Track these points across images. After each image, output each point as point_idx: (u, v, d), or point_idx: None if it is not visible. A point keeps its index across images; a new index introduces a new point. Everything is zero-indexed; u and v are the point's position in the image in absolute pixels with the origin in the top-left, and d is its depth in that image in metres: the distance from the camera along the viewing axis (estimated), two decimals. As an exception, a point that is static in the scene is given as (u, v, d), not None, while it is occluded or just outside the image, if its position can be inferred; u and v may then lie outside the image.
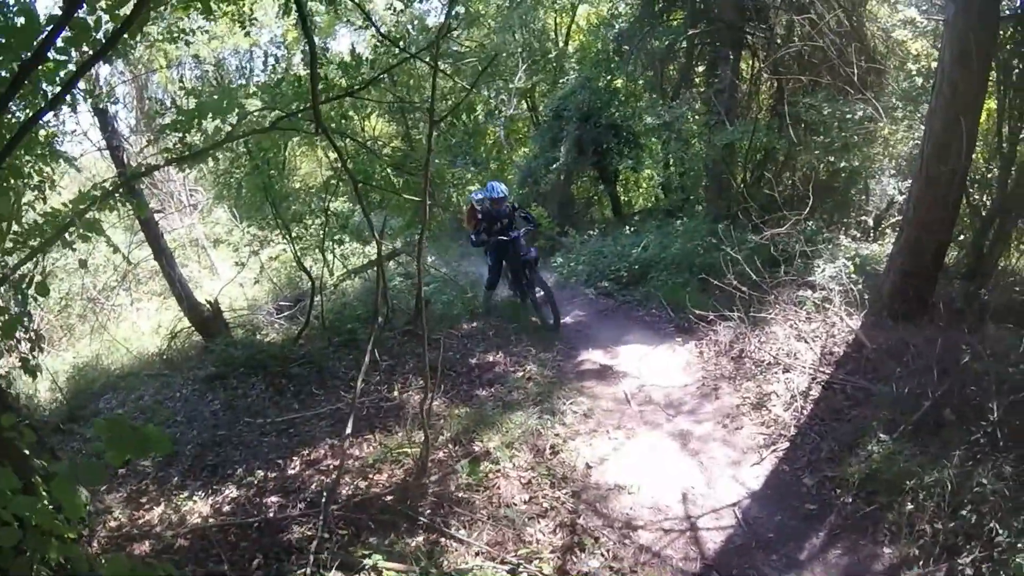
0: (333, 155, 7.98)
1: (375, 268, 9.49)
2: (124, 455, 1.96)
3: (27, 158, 4.98)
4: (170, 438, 2.09)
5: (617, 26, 12.03)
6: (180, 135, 6.42)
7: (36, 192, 4.58)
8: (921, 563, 3.41)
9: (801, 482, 4.28)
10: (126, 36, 2.54)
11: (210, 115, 6.08)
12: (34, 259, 3.18)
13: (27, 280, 3.02)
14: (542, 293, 7.48)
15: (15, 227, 3.50)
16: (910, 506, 3.67)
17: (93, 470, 2.10)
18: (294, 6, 8.53)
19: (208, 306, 8.49)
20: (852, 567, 3.57)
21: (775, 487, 4.33)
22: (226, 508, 4.41)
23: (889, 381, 4.67)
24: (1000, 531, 3.30)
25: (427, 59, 5.91)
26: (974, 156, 6.11)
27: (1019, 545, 3.17)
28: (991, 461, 3.71)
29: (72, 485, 2.01)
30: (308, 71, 7.53)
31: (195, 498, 4.52)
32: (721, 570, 3.67)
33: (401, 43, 7.91)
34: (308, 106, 5.06)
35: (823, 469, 4.31)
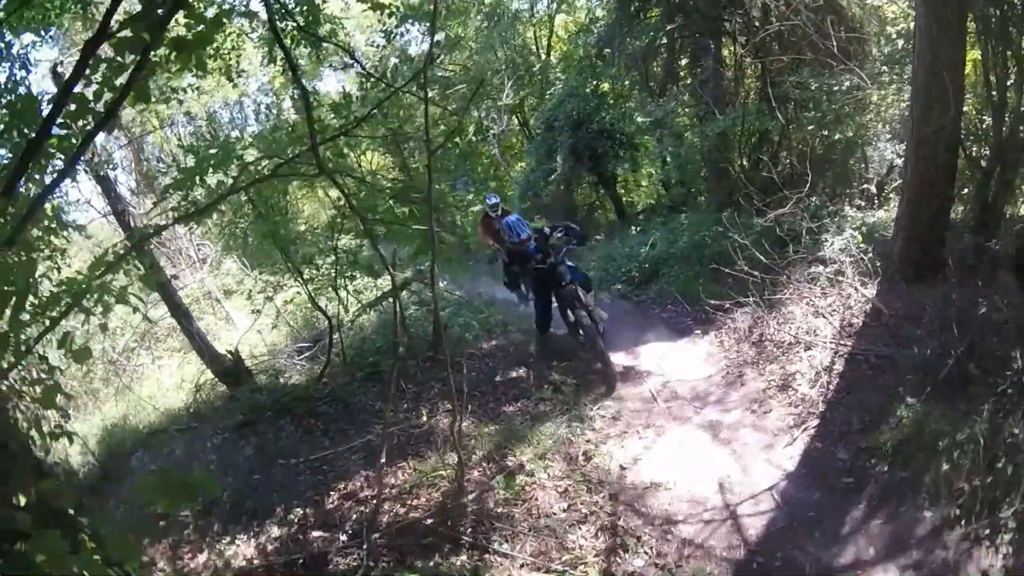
0: (335, 194, 8.10)
1: (389, 300, 9.60)
2: (176, 502, 2.04)
3: (35, 232, 5.12)
4: (215, 480, 2.17)
5: (596, 31, 12.16)
6: (183, 193, 6.56)
7: (49, 262, 4.69)
8: (963, 522, 3.40)
9: (835, 457, 4.28)
10: (128, 105, 2.62)
11: (210, 170, 6.22)
12: (56, 327, 3.26)
13: (67, 345, 3.11)
14: (590, 323, 6.20)
15: (32, 299, 3.58)
16: (946, 466, 3.65)
17: (141, 520, 2.19)
18: (278, 55, 8.73)
19: (229, 356, 8.59)
20: (895, 534, 3.56)
21: (810, 465, 4.32)
22: (270, 548, 4.45)
23: (910, 344, 4.67)
24: (1038, 479, 3.27)
25: (414, 90, 6.05)
26: (966, 109, 6.11)
27: None
28: (1020, 410, 3.68)
29: (123, 536, 2.08)
30: (300, 116, 7.72)
31: (238, 542, 4.55)
32: (765, 554, 3.67)
33: (387, 76, 8.07)
34: (307, 149, 5.18)
35: (856, 441, 4.31)
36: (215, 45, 8.30)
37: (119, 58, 2.46)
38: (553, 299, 6.71)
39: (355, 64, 10.97)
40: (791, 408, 4.93)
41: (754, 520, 3.96)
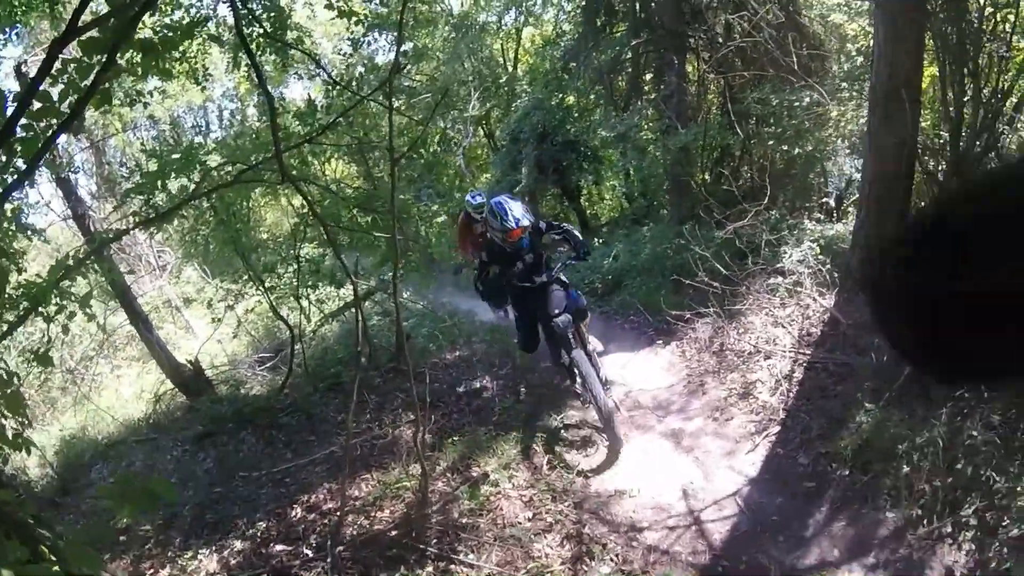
0: (298, 202, 8.04)
1: (352, 310, 9.52)
2: (134, 509, 2.01)
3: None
4: (172, 486, 2.14)
5: (563, 44, 12.27)
6: (145, 197, 6.44)
7: (8, 264, 4.57)
8: (925, 521, 3.48)
9: (797, 462, 4.35)
10: (92, 107, 2.57)
11: (173, 175, 6.12)
12: (13, 332, 3.18)
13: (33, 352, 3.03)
14: (589, 370, 4.85)
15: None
16: (906, 469, 3.73)
17: (101, 531, 2.17)
18: (243, 60, 8.65)
19: (189, 366, 8.43)
20: (858, 536, 3.63)
21: (772, 471, 4.38)
22: (232, 563, 4.37)
23: (868, 353, 4.76)
24: (997, 479, 3.37)
25: (380, 99, 6.04)
26: (924, 125, 6.30)
27: (1018, 489, 3.25)
28: (978, 413, 3.77)
29: (83, 547, 2.04)
30: (265, 122, 7.65)
31: (200, 556, 4.48)
32: (730, 559, 3.71)
33: (352, 84, 8.03)
34: (271, 156, 5.13)
35: (816, 446, 4.38)
36: (181, 49, 8.19)
37: (86, 59, 2.42)
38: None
39: (321, 72, 10.94)
40: (752, 416, 5.00)
41: (718, 525, 4.00)
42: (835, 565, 3.51)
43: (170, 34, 2.59)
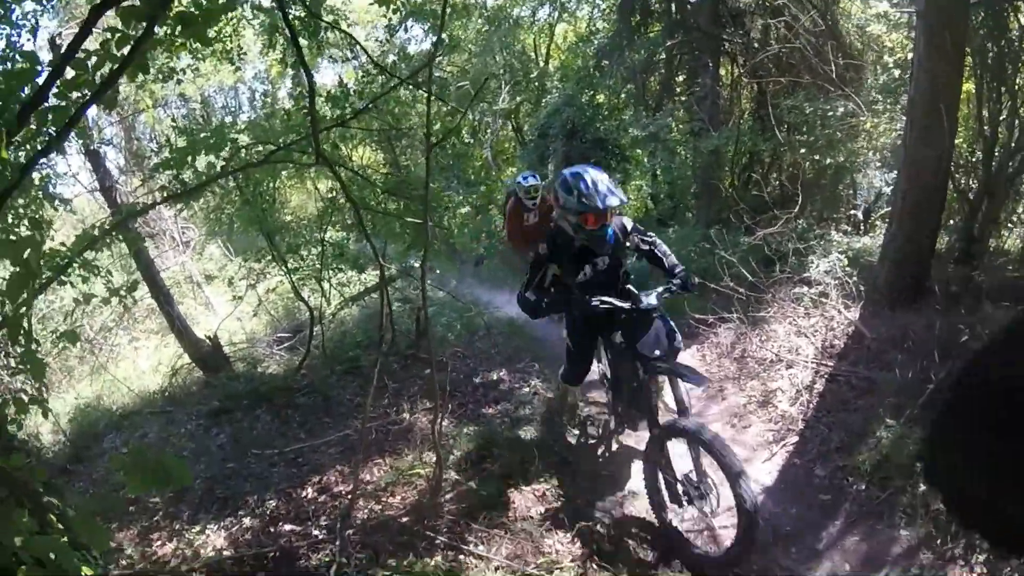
0: (324, 185, 8.07)
1: (373, 294, 9.55)
2: (145, 485, 1.99)
3: (20, 200, 5.03)
4: (187, 467, 2.11)
5: (596, 42, 12.22)
6: (173, 173, 6.48)
7: (34, 232, 4.63)
8: (939, 541, 3.45)
9: (813, 474, 4.31)
10: (128, 78, 2.58)
11: (202, 152, 6.16)
12: (36, 298, 3.21)
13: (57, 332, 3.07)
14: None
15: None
16: (923, 487, 3.69)
17: (111, 502, 2.16)
18: (278, 42, 8.71)
19: (208, 341, 8.50)
20: (871, 552, 3.60)
21: (788, 481, 4.35)
22: (241, 539, 4.37)
23: (891, 368, 4.72)
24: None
25: (417, 85, 6.03)
26: (957, 141, 6.22)
27: None
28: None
29: (92, 518, 2.03)
30: (294, 105, 7.68)
31: (208, 531, 4.48)
32: (742, 568, 3.67)
33: (392, 71, 8.04)
34: (302, 138, 5.14)
35: (834, 459, 4.34)
36: (217, 28, 8.25)
37: (124, 28, 2.42)
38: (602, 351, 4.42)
39: (356, 56, 10.96)
40: (771, 424, 4.96)
41: (731, 532, 3.95)
42: (846, 581, 3.47)
43: (208, 5, 2.57)
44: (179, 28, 2.72)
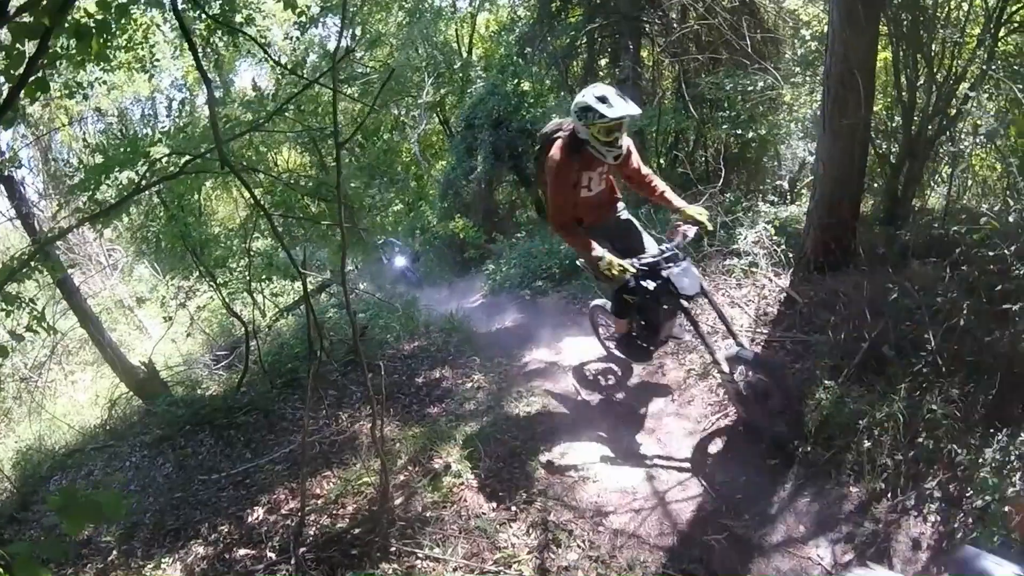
0: (248, 193, 7.83)
1: (314, 298, 9.38)
2: (79, 524, 1.97)
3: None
4: (121, 500, 2.08)
5: (517, 29, 12.19)
6: (89, 193, 6.19)
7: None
8: (889, 495, 3.55)
9: (759, 440, 4.39)
10: (27, 97, 2.44)
11: (117, 168, 5.89)
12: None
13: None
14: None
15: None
16: (868, 444, 3.78)
17: (54, 546, 2.11)
18: (188, 47, 8.38)
19: (143, 368, 8.19)
20: (823, 511, 3.68)
21: (735, 449, 4.41)
22: (196, 570, 4.24)
23: (825, 330, 4.81)
24: (958, 451, 3.45)
25: (326, 84, 5.88)
26: (877, 108, 6.41)
27: (979, 461, 3.32)
28: (937, 388, 3.85)
29: (34, 564, 1.97)
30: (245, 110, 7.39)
31: (163, 565, 4.34)
32: (696, 538, 3.72)
33: (301, 71, 7.82)
34: (213, 147, 4.96)
35: (778, 423, 4.42)
36: (126, 36, 7.91)
37: (18, 45, 2.30)
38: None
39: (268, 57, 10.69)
40: (712, 395, 5.02)
41: (683, 506, 4.00)
42: (802, 541, 3.54)
43: (103, 16, 2.45)
44: (74, 42, 2.58)
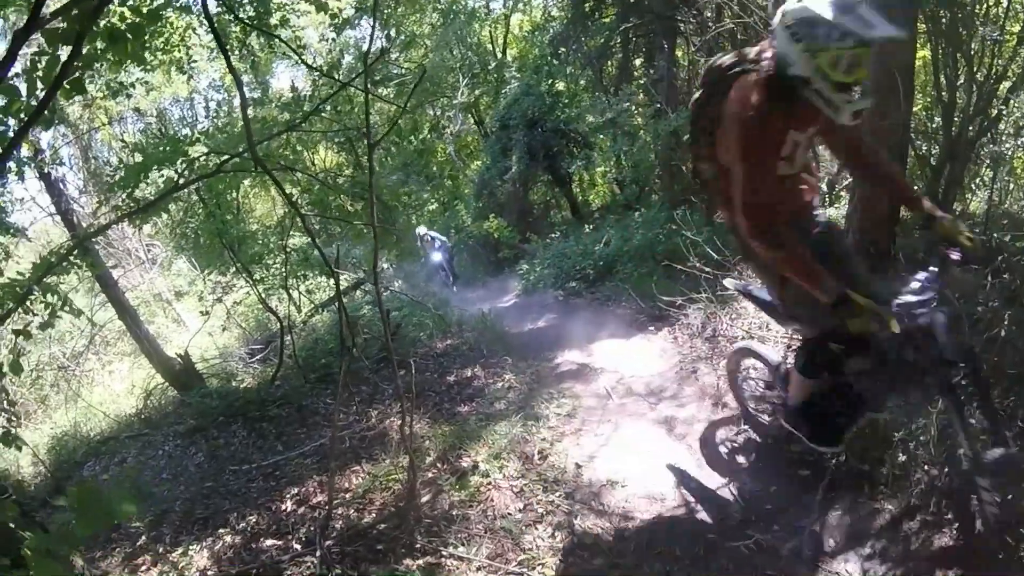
0: (291, 191, 7.95)
1: (345, 297, 9.46)
2: (92, 526, 2.01)
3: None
4: (134, 500, 2.14)
5: (551, 30, 12.17)
6: (128, 191, 6.35)
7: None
8: (922, 511, 3.43)
9: (791, 450, 4.30)
10: (63, 98, 2.52)
11: (155, 167, 6.02)
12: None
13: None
14: None
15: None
16: (902, 457, 3.68)
17: (66, 538, 2.15)
18: (232, 48, 8.53)
19: (179, 359, 8.36)
20: (854, 525, 3.57)
21: (766, 458, 4.32)
22: (223, 558, 4.31)
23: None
24: (995, 467, 3.32)
25: (358, 86, 5.94)
26: (916, 109, 6.24)
27: None
28: (976, 400, 3.72)
29: (46, 555, 2.02)
30: (250, 112, 7.54)
31: (191, 552, 4.42)
32: (723, 549, 3.65)
33: (336, 72, 7.90)
34: (246, 148, 5.04)
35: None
36: (163, 38, 8.07)
37: (50, 49, 2.37)
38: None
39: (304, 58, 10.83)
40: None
41: (712, 515, 3.94)
42: (831, 556, 3.44)
43: (136, 20, 2.50)
44: (110, 45, 2.65)
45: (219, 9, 7.69)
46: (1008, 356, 3.87)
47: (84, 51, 2.35)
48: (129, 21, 2.71)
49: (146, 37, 6.64)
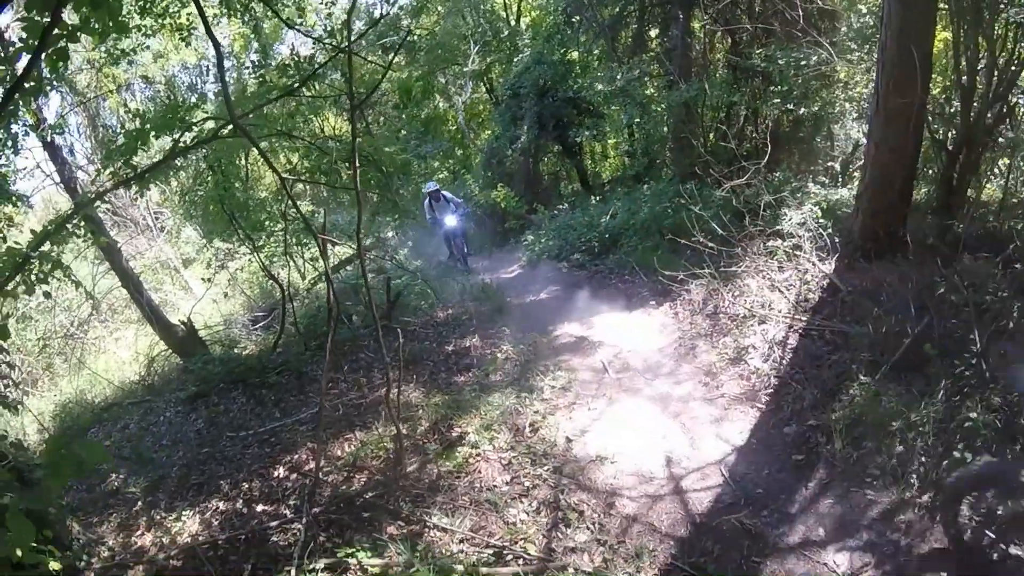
0: (292, 158, 7.85)
1: (349, 266, 9.41)
2: (63, 479, 2.03)
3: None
4: (103, 449, 2.13)
5: (565, -2, 11.88)
6: (126, 158, 6.30)
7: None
8: (916, 505, 3.36)
9: (786, 433, 4.22)
10: (48, 68, 2.49)
11: (154, 133, 5.95)
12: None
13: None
14: None
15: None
16: (899, 448, 3.60)
17: (38, 498, 2.14)
18: (239, 11, 8.39)
19: (182, 326, 8.37)
20: (846, 515, 3.50)
21: (760, 440, 4.25)
22: (215, 523, 4.36)
23: (866, 322, 4.59)
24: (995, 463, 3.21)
25: (343, 50, 5.81)
26: (935, 92, 6.04)
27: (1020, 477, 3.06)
28: (978, 393, 3.63)
29: (20, 515, 2.01)
30: (257, 77, 7.44)
31: (184, 518, 4.47)
32: (710, 531, 3.60)
33: (341, 37, 7.71)
34: (250, 111, 4.96)
35: (807, 418, 4.23)
36: (164, 4, 7.94)
37: (36, 16, 2.32)
38: None
39: (302, 24, 10.65)
40: (743, 382, 4.86)
41: (701, 495, 3.88)
42: (820, 545, 3.38)
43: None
44: (90, 11, 2.59)
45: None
46: (1015, 349, 3.77)
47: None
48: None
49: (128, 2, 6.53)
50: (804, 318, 5.20)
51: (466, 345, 6.35)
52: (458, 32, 14.37)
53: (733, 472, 4.01)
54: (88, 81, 12.11)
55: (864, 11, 7.34)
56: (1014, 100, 5.42)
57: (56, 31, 2.21)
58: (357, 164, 3.75)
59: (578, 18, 10.83)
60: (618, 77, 9.44)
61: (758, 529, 3.52)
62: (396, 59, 13.75)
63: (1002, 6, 5.33)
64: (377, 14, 13.73)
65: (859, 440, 3.85)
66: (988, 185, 6.56)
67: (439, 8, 14.86)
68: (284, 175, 3.68)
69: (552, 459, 4.30)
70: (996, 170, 6.43)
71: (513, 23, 15.08)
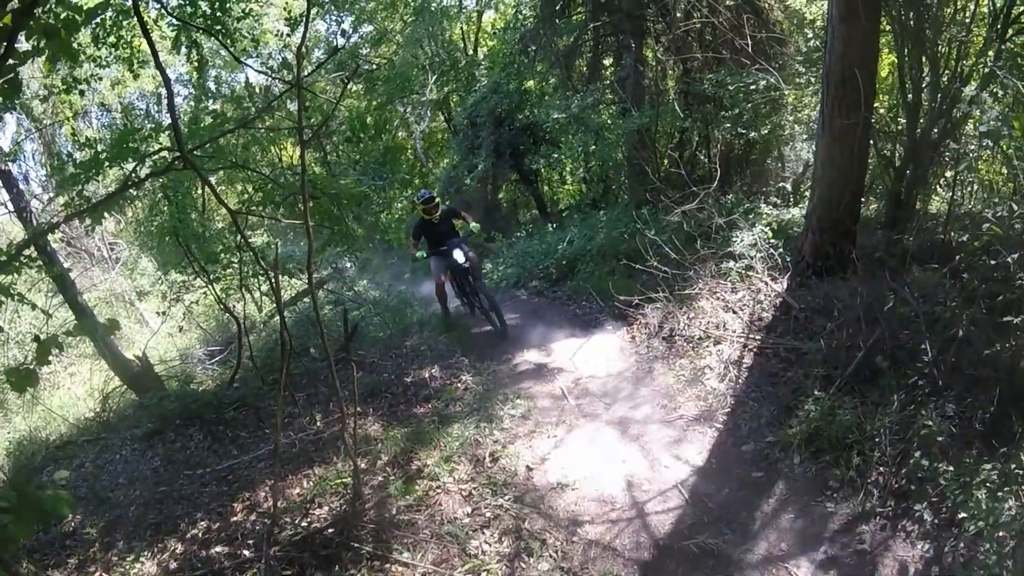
0: (248, 188, 7.76)
1: (305, 299, 9.29)
2: (28, 529, 1.91)
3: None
4: (68, 500, 2.05)
5: (522, 28, 12.08)
6: (79, 188, 6.16)
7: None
8: (877, 515, 3.40)
9: (744, 451, 4.25)
10: (3, 97, 2.43)
11: (107, 164, 5.84)
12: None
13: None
14: None
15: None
16: (857, 459, 3.65)
17: (3, 543, 2.06)
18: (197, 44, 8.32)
19: (137, 361, 8.16)
20: (807, 529, 3.53)
21: (719, 460, 4.27)
22: (172, 565, 4.20)
23: (819, 338, 4.69)
24: (951, 471, 3.29)
25: (292, 82, 5.81)
26: (882, 110, 6.24)
27: (974, 482, 3.15)
28: (932, 402, 3.71)
29: None
30: (208, 113, 7.37)
31: (141, 559, 4.30)
32: (673, 553, 3.60)
33: (290, 70, 7.68)
34: (202, 143, 4.91)
35: (765, 435, 4.28)
36: (118, 35, 7.85)
37: None
38: None
39: (262, 55, 10.62)
40: (700, 402, 4.89)
41: (662, 518, 3.87)
42: (783, 559, 3.39)
43: (71, 15, 2.41)
44: (42, 41, 2.55)
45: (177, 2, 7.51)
46: (965, 357, 3.86)
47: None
48: (64, 16, 2.60)
49: (80, 33, 6.44)
50: (758, 337, 5.28)
51: (425, 376, 6.27)
52: (416, 62, 14.47)
53: (694, 493, 4.01)
54: (44, 108, 11.88)
55: (811, 35, 7.59)
56: (958, 114, 5.63)
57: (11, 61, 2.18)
58: (307, 198, 3.72)
59: (534, 48, 11.00)
60: (573, 105, 9.58)
61: (721, 548, 3.51)
62: (354, 88, 13.75)
63: (944, 26, 5.55)
64: (338, 43, 13.84)
65: (817, 454, 3.89)
66: (935, 198, 6.78)
67: (398, 38, 14.95)
68: (236, 208, 3.63)
69: (513, 488, 4.25)
70: (942, 184, 6.66)
71: (471, 53, 15.25)
